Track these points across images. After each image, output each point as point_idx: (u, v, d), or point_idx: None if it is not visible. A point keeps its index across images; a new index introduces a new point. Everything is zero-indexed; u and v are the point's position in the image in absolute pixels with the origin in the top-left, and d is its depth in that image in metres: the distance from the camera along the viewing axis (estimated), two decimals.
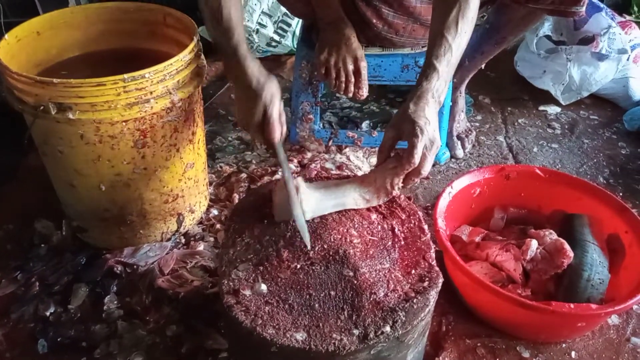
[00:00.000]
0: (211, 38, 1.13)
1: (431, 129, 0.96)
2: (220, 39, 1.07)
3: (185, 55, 1.11)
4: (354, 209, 1.01)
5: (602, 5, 1.89)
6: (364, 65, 1.40)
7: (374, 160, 1.63)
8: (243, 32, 1.08)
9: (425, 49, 1.47)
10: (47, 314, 1.16)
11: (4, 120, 1.77)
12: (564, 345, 1.13)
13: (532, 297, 1.13)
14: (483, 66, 1.61)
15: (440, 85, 1.01)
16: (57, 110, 1.02)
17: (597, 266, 1.10)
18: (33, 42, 1.24)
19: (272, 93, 1.02)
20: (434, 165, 1.62)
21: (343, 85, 1.39)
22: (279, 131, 1.03)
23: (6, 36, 1.17)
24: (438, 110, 1.00)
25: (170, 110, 1.13)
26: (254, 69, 1.04)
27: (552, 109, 1.93)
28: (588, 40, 1.87)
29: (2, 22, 1.98)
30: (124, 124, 1.08)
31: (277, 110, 1.02)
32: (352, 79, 1.38)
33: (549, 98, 1.93)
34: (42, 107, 1.02)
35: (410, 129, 0.95)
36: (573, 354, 1.11)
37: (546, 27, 1.94)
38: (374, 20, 1.41)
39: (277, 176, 1.52)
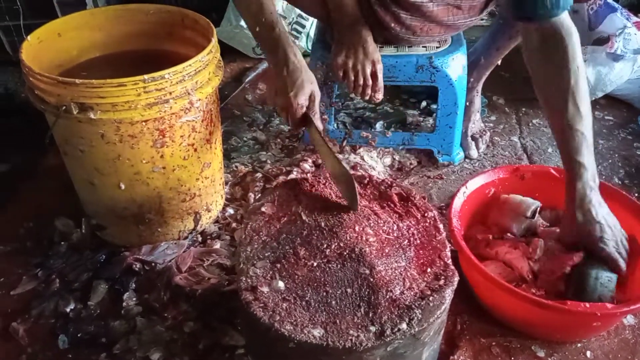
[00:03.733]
0: (252, 32, 1.24)
1: (609, 229, 1.05)
2: (264, 30, 1.20)
3: (203, 57, 1.13)
4: (370, 208, 1.03)
5: (617, 5, 1.88)
6: (380, 68, 1.41)
7: (387, 160, 1.64)
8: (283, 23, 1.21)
9: (440, 45, 1.49)
10: (67, 310, 1.18)
11: (24, 120, 1.81)
12: (579, 345, 1.13)
13: (545, 296, 1.13)
14: (499, 63, 1.62)
15: (591, 175, 1.06)
16: (78, 110, 1.05)
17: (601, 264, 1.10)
18: (54, 43, 1.26)
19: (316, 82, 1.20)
20: (447, 166, 1.63)
21: (361, 88, 1.40)
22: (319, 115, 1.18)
23: (28, 37, 1.19)
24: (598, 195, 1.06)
25: (189, 111, 1.14)
26: (300, 57, 1.19)
27: None
28: (603, 40, 1.86)
29: (22, 24, 2.01)
30: (143, 123, 1.10)
31: (319, 96, 1.19)
32: (370, 82, 1.40)
33: None
34: (64, 107, 1.05)
35: (593, 243, 1.04)
36: (588, 353, 1.11)
37: None
38: (392, 24, 1.42)
39: (292, 176, 1.53)
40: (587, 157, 1.06)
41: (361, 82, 1.39)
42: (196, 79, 1.12)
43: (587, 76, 1.09)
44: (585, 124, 1.06)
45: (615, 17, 1.83)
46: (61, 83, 1.04)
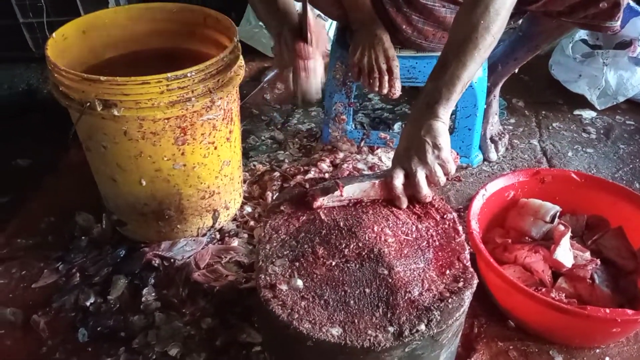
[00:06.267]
0: (261, 18, 1.31)
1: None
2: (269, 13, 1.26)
3: (225, 56, 1.14)
4: (389, 209, 1.03)
5: (639, 9, 1.86)
6: (396, 64, 1.41)
7: None
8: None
9: None
10: (87, 304, 1.20)
11: (46, 116, 1.84)
12: (597, 350, 1.12)
13: (564, 301, 1.12)
14: (516, 71, 1.61)
15: (431, 97, 1.06)
16: (102, 106, 1.06)
17: None
18: (79, 40, 1.28)
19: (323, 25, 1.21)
20: (465, 168, 1.62)
21: (377, 82, 1.39)
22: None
23: (54, 35, 1.21)
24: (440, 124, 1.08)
25: (210, 109, 1.15)
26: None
27: (587, 114, 1.91)
28: (625, 44, 1.84)
29: (45, 21, 2.04)
30: (165, 121, 1.11)
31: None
32: (386, 76, 1.39)
33: (584, 102, 1.91)
34: (88, 104, 1.06)
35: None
36: (607, 359, 1.10)
37: (582, 31, 1.92)
38: (404, 26, 1.41)
39: (310, 175, 1.54)
40: (437, 79, 1.04)
41: (376, 75, 1.39)
42: (218, 77, 1.13)
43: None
44: (461, 58, 1.03)
45: (638, 22, 1.81)
46: (86, 80, 1.05)
